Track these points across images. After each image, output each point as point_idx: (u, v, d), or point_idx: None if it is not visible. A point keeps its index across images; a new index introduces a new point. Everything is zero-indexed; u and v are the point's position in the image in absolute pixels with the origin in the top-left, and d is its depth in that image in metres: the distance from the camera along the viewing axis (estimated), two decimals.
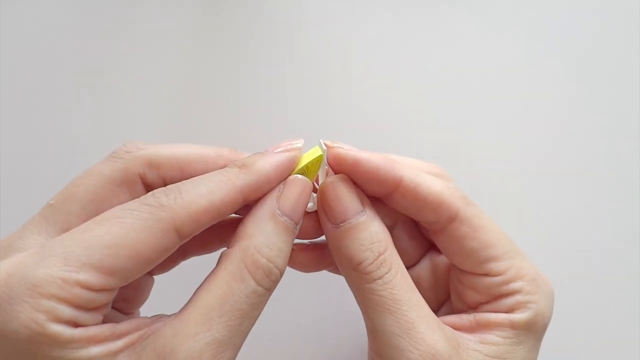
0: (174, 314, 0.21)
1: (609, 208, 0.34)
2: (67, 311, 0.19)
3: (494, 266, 0.24)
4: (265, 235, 0.22)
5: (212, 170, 0.23)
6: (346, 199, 0.24)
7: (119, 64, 0.35)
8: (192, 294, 0.22)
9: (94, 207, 0.22)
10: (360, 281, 0.23)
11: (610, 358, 0.33)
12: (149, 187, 0.23)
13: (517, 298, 0.24)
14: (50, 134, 0.34)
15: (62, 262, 0.19)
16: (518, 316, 0.24)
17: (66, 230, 0.22)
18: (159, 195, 0.21)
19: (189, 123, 0.35)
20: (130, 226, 0.20)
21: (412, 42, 0.35)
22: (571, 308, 0.33)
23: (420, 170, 0.25)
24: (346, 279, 0.24)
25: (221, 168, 0.24)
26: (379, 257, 0.23)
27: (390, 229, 0.28)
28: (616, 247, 0.33)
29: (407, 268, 0.29)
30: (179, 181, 0.22)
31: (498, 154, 0.34)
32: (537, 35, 0.35)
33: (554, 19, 0.35)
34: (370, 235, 0.23)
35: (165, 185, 0.23)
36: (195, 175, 0.23)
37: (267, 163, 0.23)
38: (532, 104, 0.34)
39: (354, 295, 0.24)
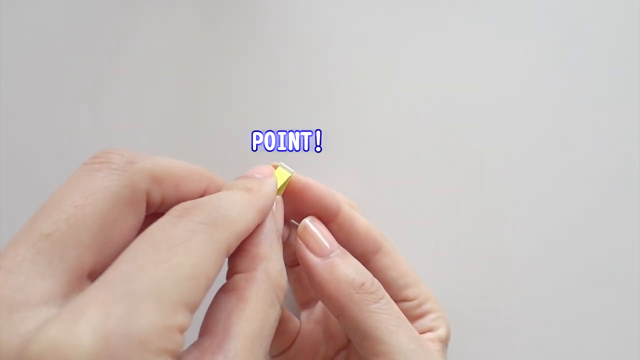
0: (202, 349, 0.18)
1: (609, 209, 0.33)
2: None
3: (410, 292, 0.27)
4: (277, 257, 0.22)
5: (199, 190, 0.22)
6: (329, 232, 0.26)
7: (112, 68, 0.34)
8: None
9: (105, 234, 0.18)
10: (368, 302, 0.24)
11: None
12: (149, 208, 0.20)
13: (431, 317, 0.27)
14: (38, 140, 0.34)
15: (158, 306, 0.15)
16: (440, 332, 0.27)
17: (79, 268, 0.17)
18: (203, 209, 0.18)
19: (184, 127, 0.34)
20: (201, 251, 0.17)
21: (412, 42, 0.34)
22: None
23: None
24: (342, 310, 0.24)
25: (203, 188, 0.22)
26: (374, 280, 0.25)
27: (293, 265, 0.30)
28: (621, 248, 0.32)
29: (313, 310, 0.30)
30: (175, 200, 0.20)
31: (498, 155, 0.33)
32: (538, 35, 0.33)
33: (555, 19, 0.34)
34: (357, 262, 0.25)
35: (162, 205, 0.20)
36: (188, 194, 0.21)
37: (270, 189, 0.23)
38: (532, 104, 0.33)
39: (353, 328, 0.24)
